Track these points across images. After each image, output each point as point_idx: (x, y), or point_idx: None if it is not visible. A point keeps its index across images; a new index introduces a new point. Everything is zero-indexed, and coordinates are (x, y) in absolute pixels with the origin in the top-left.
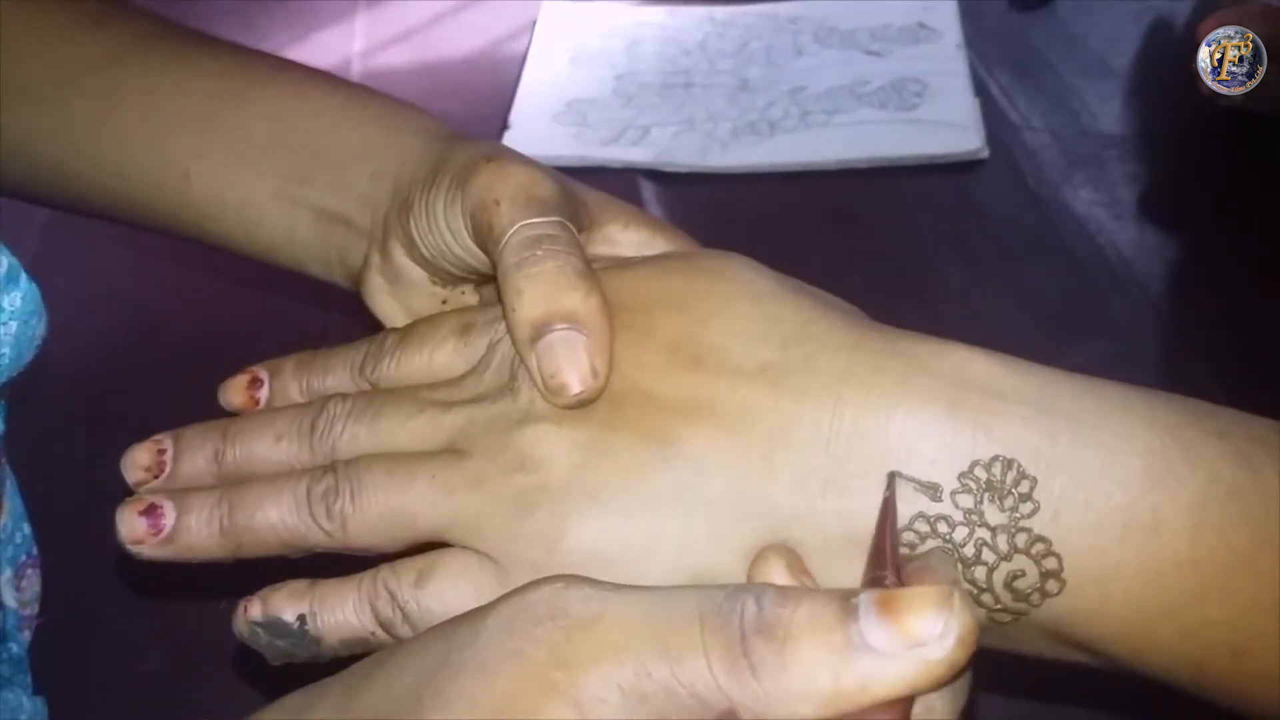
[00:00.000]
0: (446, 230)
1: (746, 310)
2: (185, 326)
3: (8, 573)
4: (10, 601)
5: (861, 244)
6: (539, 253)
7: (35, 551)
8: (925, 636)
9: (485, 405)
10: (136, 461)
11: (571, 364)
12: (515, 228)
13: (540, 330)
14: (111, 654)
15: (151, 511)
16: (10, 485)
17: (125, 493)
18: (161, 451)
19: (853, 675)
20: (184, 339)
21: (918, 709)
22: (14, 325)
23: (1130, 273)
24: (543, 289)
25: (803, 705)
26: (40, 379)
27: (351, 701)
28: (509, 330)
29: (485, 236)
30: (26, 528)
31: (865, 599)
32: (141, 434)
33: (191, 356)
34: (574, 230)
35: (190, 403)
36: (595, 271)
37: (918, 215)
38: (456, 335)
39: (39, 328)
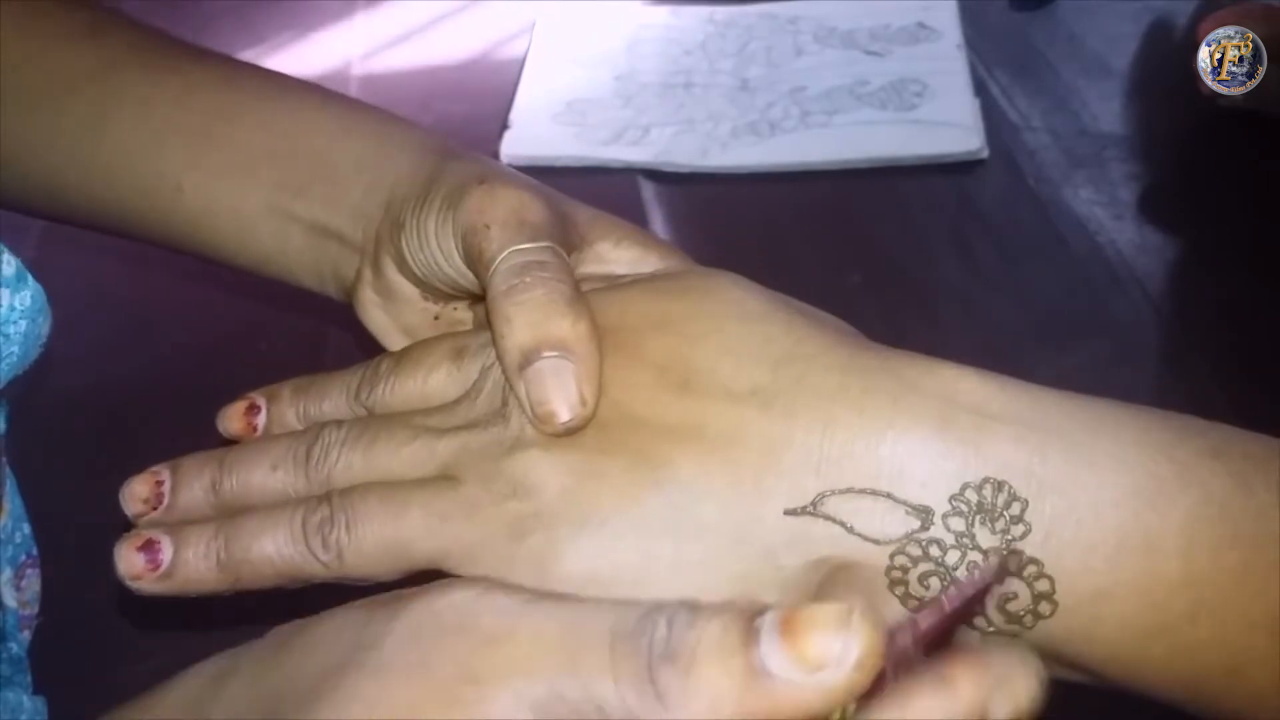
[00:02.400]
0: (438, 250)
1: (737, 331)
2: (185, 328)
3: (8, 573)
4: (10, 601)
5: (861, 244)
6: (528, 279)
7: (35, 551)
8: (825, 660)
9: (477, 432)
10: (135, 494)
11: (560, 392)
12: (505, 254)
13: (529, 358)
14: (111, 654)
15: (149, 547)
16: (10, 485)
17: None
18: (159, 483)
19: (757, 702)
20: (184, 341)
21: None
22: (23, 324)
23: (1130, 273)
24: (531, 316)
25: None
26: (41, 379)
27: (263, 676)
28: (498, 357)
29: (475, 261)
30: (26, 528)
31: (769, 620)
32: (141, 435)
33: (191, 358)
34: (564, 255)
35: (189, 404)
36: (585, 296)
37: (918, 215)
38: (450, 360)
39: (44, 326)
